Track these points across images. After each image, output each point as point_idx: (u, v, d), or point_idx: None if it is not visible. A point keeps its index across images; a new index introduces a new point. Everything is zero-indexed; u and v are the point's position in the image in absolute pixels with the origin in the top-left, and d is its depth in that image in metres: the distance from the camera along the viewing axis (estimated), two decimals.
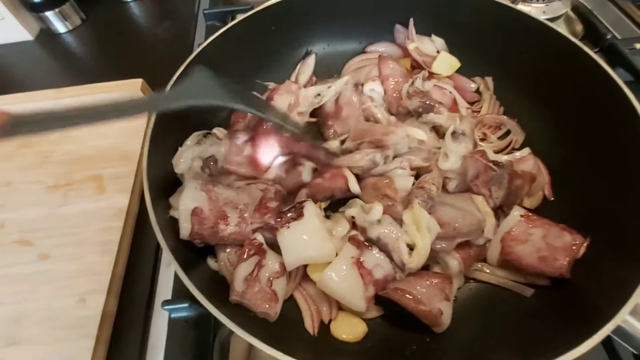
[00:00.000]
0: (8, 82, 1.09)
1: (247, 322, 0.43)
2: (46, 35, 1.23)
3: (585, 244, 0.48)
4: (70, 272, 0.65)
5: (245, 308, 0.51)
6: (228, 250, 0.57)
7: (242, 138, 0.64)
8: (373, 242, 0.53)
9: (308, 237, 0.52)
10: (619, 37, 1.01)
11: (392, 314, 0.52)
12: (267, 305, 0.50)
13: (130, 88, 0.85)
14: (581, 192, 0.56)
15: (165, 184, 0.57)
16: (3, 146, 0.84)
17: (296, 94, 0.73)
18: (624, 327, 0.38)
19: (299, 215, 0.54)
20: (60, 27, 1.22)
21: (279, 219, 0.54)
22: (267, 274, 0.53)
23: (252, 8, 1.08)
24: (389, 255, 0.52)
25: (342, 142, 0.65)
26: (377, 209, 0.53)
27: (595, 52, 0.90)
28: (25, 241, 0.70)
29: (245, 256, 0.53)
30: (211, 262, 0.57)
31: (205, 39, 1.08)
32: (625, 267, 0.42)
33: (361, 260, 0.51)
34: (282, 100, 0.73)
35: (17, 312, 0.62)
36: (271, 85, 0.81)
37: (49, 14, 1.19)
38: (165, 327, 0.60)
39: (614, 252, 0.46)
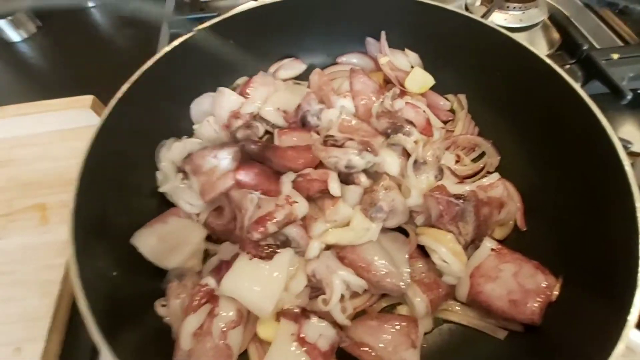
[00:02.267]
0: None
1: None
2: None
3: (558, 286, 0.45)
4: (5, 316, 0.59)
5: None
6: (182, 296, 0.51)
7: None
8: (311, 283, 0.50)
9: (259, 281, 0.49)
10: (597, 47, 0.99)
11: None
12: None
13: (81, 105, 0.78)
14: (555, 222, 0.52)
15: (104, 219, 0.51)
16: None
17: (274, 85, 0.71)
18: None
19: (269, 257, 0.51)
20: (13, 35, 1.14)
21: (254, 245, 0.51)
22: (220, 325, 0.48)
23: (218, 15, 1.03)
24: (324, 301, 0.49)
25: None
26: (314, 246, 0.51)
27: (572, 64, 0.88)
28: None
29: (195, 304, 0.48)
30: (159, 308, 0.52)
31: None
32: (605, 309, 0.39)
33: (302, 335, 0.46)
34: (259, 93, 0.71)
35: None
36: (240, 80, 0.76)
37: (1, 22, 1.11)
38: None
39: (592, 291, 0.43)
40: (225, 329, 0.47)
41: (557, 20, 0.99)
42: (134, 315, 0.47)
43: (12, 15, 1.12)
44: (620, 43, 1.00)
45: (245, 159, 0.62)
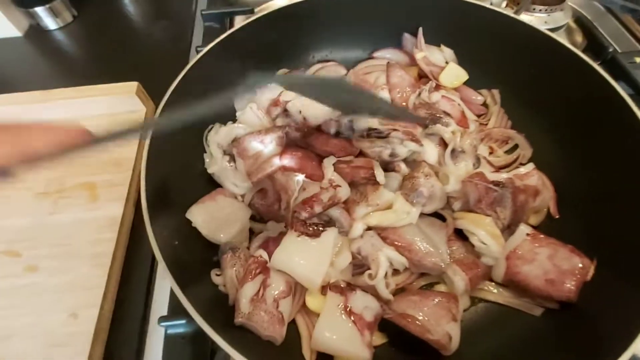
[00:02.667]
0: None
1: (249, 348, 0.41)
2: (36, 31, 1.18)
3: (592, 267, 0.48)
4: (60, 285, 0.62)
5: (248, 330, 0.49)
6: (236, 267, 0.55)
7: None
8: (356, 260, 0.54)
9: (307, 256, 0.52)
10: (619, 51, 1.02)
11: (396, 337, 0.51)
12: (274, 328, 0.49)
13: (125, 91, 0.82)
14: (588, 210, 0.55)
15: (163, 193, 0.54)
16: None
17: None
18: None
19: (316, 234, 0.54)
20: (50, 23, 1.18)
21: (302, 223, 0.55)
22: (273, 294, 0.51)
23: (251, 10, 1.06)
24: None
25: None
26: (358, 227, 0.54)
27: (598, 65, 0.91)
28: (12, 252, 0.67)
29: (251, 275, 0.51)
30: (215, 277, 0.55)
31: (203, 40, 1.06)
32: (633, 289, 0.42)
33: (348, 306, 0.50)
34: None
35: (4, 328, 0.59)
36: (280, 72, 0.79)
37: (39, 10, 1.15)
38: (161, 344, 0.58)
39: (623, 275, 0.46)
40: (277, 298, 0.51)
41: (582, 22, 1.02)
42: (195, 279, 0.51)
43: (50, 3, 1.16)
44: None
45: (289, 144, 0.65)
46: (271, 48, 0.78)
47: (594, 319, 0.45)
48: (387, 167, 0.62)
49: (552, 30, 1.08)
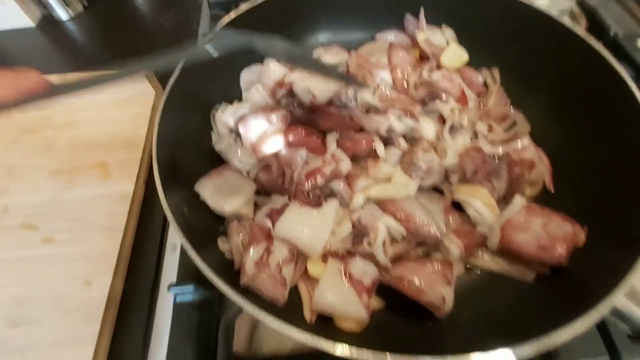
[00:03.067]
0: (12, 65, 1.08)
1: (257, 303, 0.44)
2: (48, 22, 1.22)
3: (583, 233, 0.49)
4: (75, 255, 0.66)
5: (252, 292, 0.51)
6: (242, 234, 0.57)
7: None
8: (356, 230, 0.56)
9: (309, 225, 0.55)
10: (621, 34, 1.02)
11: (393, 303, 0.53)
12: (277, 290, 0.51)
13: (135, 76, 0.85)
14: (581, 184, 0.56)
15: (174, 166, 0.57)
16: (7, 132, 0.84)
17: None
18: (621, 309, 0.39)
19: (318, 204, 0.57)
20: (62, 14, 1.22)
21: (305, 194, 0.58)
22: (276, 260, 0.54)
23: None
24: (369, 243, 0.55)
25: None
26: (358, 198, 0.57)
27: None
28: (30, 225, 0.70)
29: (255, 241, 0.54)
30: (221, 244, 0.58)
31: (210, 28, 1.08)
32: (619, 253, 0.43)
33: (348, 271, 0.52)
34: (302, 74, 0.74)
35: (21, 295, 0.62)
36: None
37: (51, 1, 1.18)
38: (170, 310, 0.61)
39: (610, 239, 0.47)
40: (280, 263, 0.53)
41: (584, 7, 1.02)
42: (204, 246, 0.54)
43: None
44: None
45: (294, 122, 0.67)
46: (275, 31, 0.80)
47: (578, 280, 0.47)
48: (387, 143, 0.64)
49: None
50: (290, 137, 0.64)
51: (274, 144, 0.65)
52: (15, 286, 0.63)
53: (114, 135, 0.81)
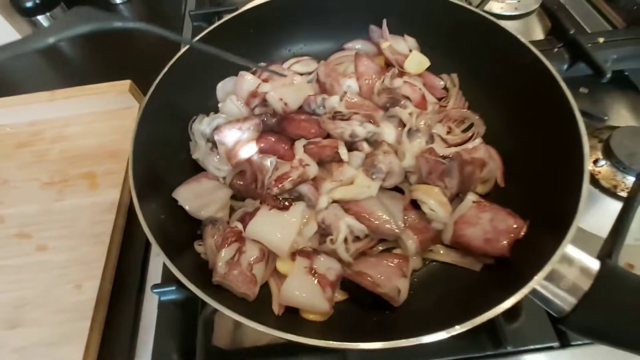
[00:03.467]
0: (2, 84, 1.13)
1: (227, 301, 0.49)
2: None
3: (525, 227, 0.54)
4: (66, 261, 0.71)
5: (226, 289, 0.56)
6: (216, 237, 0.62)
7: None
8: (320, 229, 0.61)
9: (277, 227, 0.60)
10: (588, 31, 1.07)
11: (356, 294, 0.58)
12: (247, 287, 0.56)
13: (120, 89, 0.90)
14: (527, 180, 0.61)
15: (152, 176, 0.62)
16: (1, 147, 0.89)
17: (290, 77, 0.80)
18: (541, 292, 0.44)
19: (285, 208, 0.62)
20: None
21: (273, 198, 0.63)
22: (247, 259, 0.59)
23: (237, 9, 1.14)
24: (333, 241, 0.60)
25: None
26: (323, 200, 0.62)
27: (560, 47, 0.96)
28: (24, 234, 0.75)
29: (227, 242, 0.59)
30: (197, 247, 0.63)
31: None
32: (548, 240, 0.48)
33: (314, 267, 0.57)
34: (276, 83, 0.79)
35: (18, 299, 0.68)
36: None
37: (41, 18, 1.23)
38: (155, 309, 0.66)
39: (545, 229, 0.51)
40: (251, 262, 0.58)
41: (547, 7, 1.07)
42: (180, 249, 0.59)
43: (50, 11, 1.24)
44: (610, 28, 1.07)
45: (265, 130, 0.72)
46: (249, 44, 0.85)
47: (516, 266, 0.52)
48: (352, 146, 0.69)
49: (523, 15, 1.14)
50: (262, 145, 0.69)
51: (247, 151, 0.69)
52: (12, 291, 0.69)
53: (100, 147, 0.86)
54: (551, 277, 0.43)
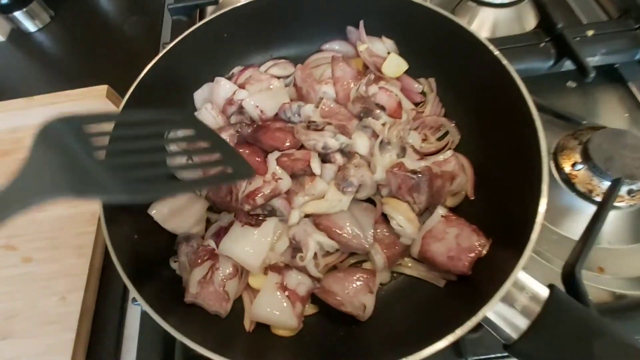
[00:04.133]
0: None
1: (196, 325, 0.51)
2: (17, 35, 1.24)
3: (487, 246, 0.55)
4: (51, 273, 0.73)
5: (199, 307, 0.59)
6: (189, 254, 0.64)
7: None
8: (292, 245, 0.62)
9: (249, 243, 0.61)
10: (584, 22, 1.03)
11: (326, 308, 0.60)
12: (219, 305, 0.58)
13: (96, 95, 0.89)
14: (494, 193, 0.61)
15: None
16: None
17: (268, 82, 0.80)
18: (491, 319, 0.45)
19: (258, 224, 0.63)
20: (30, 26, 1.24)
21: (245, 214, 0.64)
22: (220, 276, 0.61)
23: (216, 1, 1.10)
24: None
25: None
26: (294, 215, 0.63)
27: (547, 41, 0.93)
28: (10, 246, 0.78)
29: (199, 261, 0.60)
30: (172, 263, 0.65)
31: (171, 34, 1.11)
32: (505, 260, 0.48)
33: (284, 283, 0.59)
34: (253, 88, 0.79)
35: (8, 310, 0.71)
36: (236, 69, 0.85)
37: (18, 14, 1.20)
38: (138, 320, 0.69)
39: (505, 248, 0.52)
40: (224, 279, 0.60)
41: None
42: (154, 268, 0.61)
43: (27, 7, 1.21)
44: (606, 18, 1.03)
45: (239, 142, 0.72)
46: (224, 48, 0.83)
47: (475, 284, 0.53)
48: (325, 158, 0.69)
49: (515, 3, 1.08)
50: None
51: None
52: (2, 302, 0.72)
53: None
54: (504, 302, 0.44)
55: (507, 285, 0.43)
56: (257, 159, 0.69)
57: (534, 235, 0.45)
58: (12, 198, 0.33)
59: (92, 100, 0.90)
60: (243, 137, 0.73)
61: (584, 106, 0.94)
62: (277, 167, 0.68)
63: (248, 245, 0.61)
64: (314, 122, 0.71)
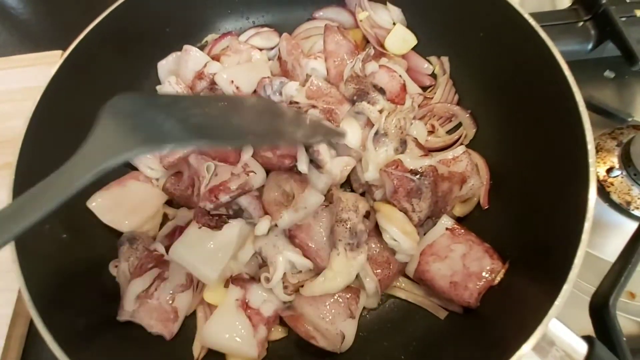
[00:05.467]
0: None
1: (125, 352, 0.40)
2: None
3: (501, 272, 0.43)
4: None
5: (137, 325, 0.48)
6: (131, 259, 0.52)
7: None
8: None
9: (206, 249, 0.49)
10: (627, 0, 0.87)
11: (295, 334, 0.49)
12: (163, 325, 0.47)
13: (49, 61, 0.77)
14: (517, 204, 0.49)
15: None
16: None
17: (248, 54, 0.67)
18: None
19: (218, 227, 0.52)
20: None
21: (205, 213, 0.52)
22: (169, 289, 0.50)
23: None
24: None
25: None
26: (263, 224, 0.50)
27: (586, 20, 0.78)
28: None
29: (141, 270, 0.49)
30: (112, 268, 0.54)
31: None
32: (537, 296, 0.37)
33: (246, 300, 0.48)
34: (230, 60, 0.67)
35: None
36: (210, 37, 0.72)
37: None
38: None
39: (531, 278, 0.41)
40: (172, 292, 0.49)
41: None
42: (87, 275, 0.49)
43: None
44: None
45: None
46: (203, 7, 0.69)
47: (491, 323, 0.42)
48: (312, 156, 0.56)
49: None
50: None
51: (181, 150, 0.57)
52: None
53: None
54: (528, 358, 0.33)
55: (536, 337, 0.32)
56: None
57: (575, 269, 0.33)
58: (87, 160, 0.32)
59: (47, 66, 0.77)
60: None
61: (621, 100, 0.80)
62: (251, 158, 0.56)
63: (204, 252, 0.50)
64: (297, 102, 0.58)
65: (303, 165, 0.53)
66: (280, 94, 0.61)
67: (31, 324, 0.60)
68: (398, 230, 0.48)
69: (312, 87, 0.60)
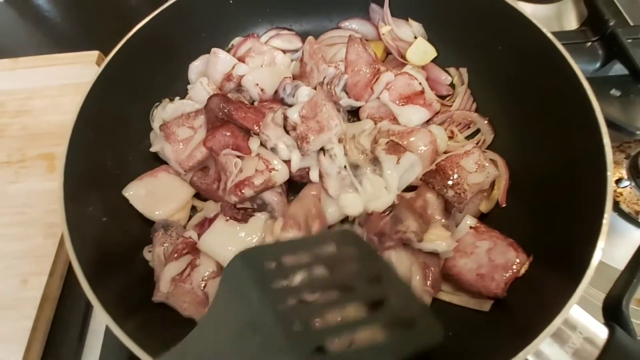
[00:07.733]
0: None
1: (158, 330, 0.42)
2: None
3: (526, 264, 0.45)
4: (16, 252, 0.65)
5: (171, 308, 0.50)
6: (165, 245, 0.55)
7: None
8: None
9: (232, 241, 0.52)
10: (631, 24, 0.92)
11: None
12: (195, 309, 0.49)
13: (86, 60, 0.81)
14: (535, 201, 0.52)
15: (94, 171, 0.54)
16: None
17: (271, 55, 0.71)
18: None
19: (244, 220, 0.54)
20: None
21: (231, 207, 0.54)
22: (201, 275, 0.52)
23: None
24: None
25: None
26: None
27: (594, 41, 0.82)
28: None
29: (176, 255, 0.51)
30: (146, 253, 0.56)
31: None
32: (558, 285, 0.39)
33: None
34: (254, 62, 0.71)
35: None
36: (235, 40, 0.76)
37: None
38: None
39: (553, 269, 0.43)
40: (205, 279, 0.51)
41: None
42: (123, 257, 0.52)
43: None
44: None
45: (211, 119, 0.61)
46: (234, 14, 0.74)
47: (517, 312, 0.44)
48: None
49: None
50: (211, 143, 0.58)
51: (200, 153, 0.60)
52: None
53: (63, 126, 0.76)
54: (551, 343, 0.35)
55: (557, 322, 0.34)
56: (241, 137, 0.59)
57: (593, 264, 0.35)
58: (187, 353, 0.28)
59: (82, 66, 0.82)
60: (214, 113, 0.62)
61: (627, 117, 0.83)
62: (261, 147, 0.58)
63: (231, 243, 0.52)
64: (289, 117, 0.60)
65: (315, 177, 0.57)
66: (294, 97, 0.64)
67: (57, 308, 0.62)
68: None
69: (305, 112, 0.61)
